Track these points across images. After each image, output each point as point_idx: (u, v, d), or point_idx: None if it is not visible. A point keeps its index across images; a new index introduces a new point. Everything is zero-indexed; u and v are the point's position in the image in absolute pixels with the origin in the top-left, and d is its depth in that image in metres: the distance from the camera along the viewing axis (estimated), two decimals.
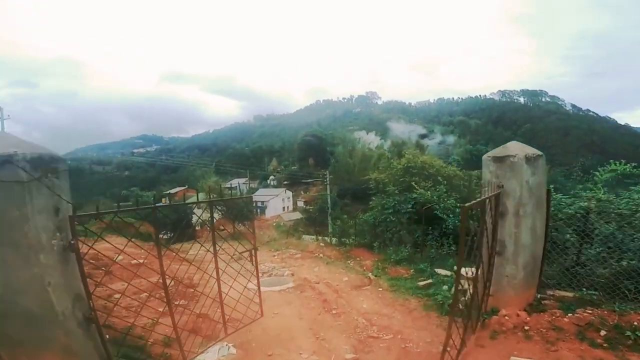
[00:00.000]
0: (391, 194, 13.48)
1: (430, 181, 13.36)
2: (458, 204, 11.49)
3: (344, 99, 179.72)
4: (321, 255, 13.80)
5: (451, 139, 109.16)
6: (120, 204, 4.37)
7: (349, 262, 12.09)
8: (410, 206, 12.45)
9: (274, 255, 14.85)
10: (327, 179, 27.59)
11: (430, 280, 8.66)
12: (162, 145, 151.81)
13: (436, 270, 9.57)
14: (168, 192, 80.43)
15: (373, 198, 15.05)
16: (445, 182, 13.12)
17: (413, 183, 13.27)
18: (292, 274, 10.44)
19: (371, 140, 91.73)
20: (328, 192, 27.53)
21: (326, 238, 20.51)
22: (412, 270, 9.96)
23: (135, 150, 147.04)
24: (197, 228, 49.26)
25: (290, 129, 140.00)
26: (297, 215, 66.00)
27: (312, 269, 11.11)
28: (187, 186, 76.34)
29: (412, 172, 13.93)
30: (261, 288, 7.51)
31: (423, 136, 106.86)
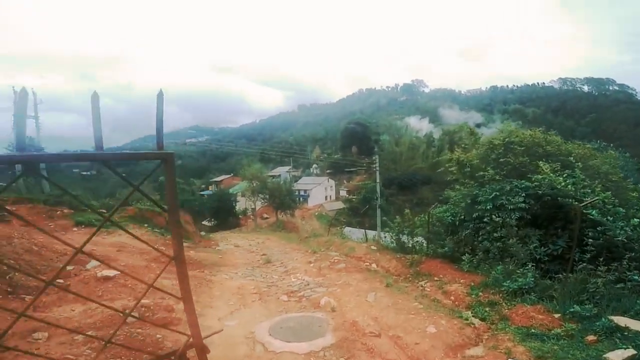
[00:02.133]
0: (489, 180, 8.57)
1: (555, 163, 8.26)
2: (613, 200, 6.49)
3: (387, 87, 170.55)
4: (375, 267, 9.34)
5: (495, 127, 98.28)
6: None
7: (421, 283, 7.54)
8: (521, 200, 7.55)
9: (310, 262, 10.61)
10: (377, 165, 22.84)
11: (630, 351, 3.95)
12: (212, 136, 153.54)
13: (612, 318, 4.82)
14: (214, 179, 79.79)
15: (455, 187, 10.22)
16: (579, 164, 7.97)
17: (534, 164, 8.24)
18: (333, 309, 6.07)
19: (420, 127, 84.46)
20: (377, 180, 22.80)
21: (374, 237, 15.95)
22: (558, 316, 5.25)
23: (188, 140, 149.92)
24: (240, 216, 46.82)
25: (334, 118, 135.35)
26: (340, 204, 61.74)
27: (365, 298, 6.71)
28: (232, 174, 74.93)
29: (516, 151, 8.84)
30: (278, 342, 3.46)
31: (478, 125, 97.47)
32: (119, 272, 7.10)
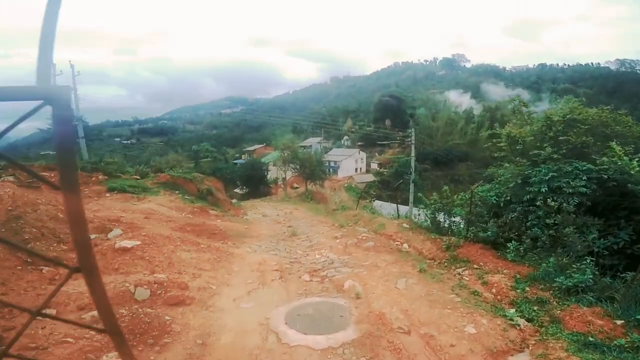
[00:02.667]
0: (544, 160, 7.39)
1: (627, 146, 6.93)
2: None
3: (425, 61, 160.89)
4: (407, 247, 8.59)
5: (544, 106, 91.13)
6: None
7: (459, 271, 6.75)
8: (582, 183, 6.41)
9: (337, 237, 10.00)
10: (412, 138, 21.42)
11: None
12: (246, 106, 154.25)
13: None
14: (247, 149, 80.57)
15: (504, 165, 9.07)
16: None
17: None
18: (357, 295, 5.45)
19: (460, 102, 79.67)
20: (412, 154, 21.45)
21: (406, 214, 15.11)
22: (621, 323, 4.37)
23: (223, 111, 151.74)
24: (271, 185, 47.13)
25: (367, 90, 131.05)
26: (370, 177, 60.55)
27: (394, 284, 6.03)
28: (265, 144, 75.25)
29: (578, 129, 7.48)
30: (293, 333, 3.02)
31: (524, 103, 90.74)
32: (138, 243, 6.85)
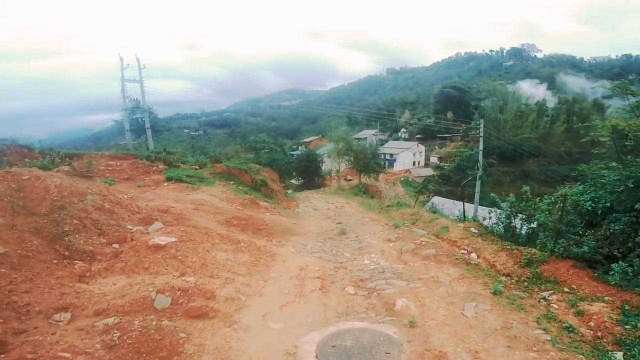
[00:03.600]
0: None
1: None
2: None
3: (491, 51, 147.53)
4: (475, 258, 7.20)
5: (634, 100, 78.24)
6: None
7: (545, 294, 5.28)
8: None
9: (390, 241, 8.85)
10: (480, 131, 19.06)
11: None
12: (303, 99, 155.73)
13: None
14: (304, 140, 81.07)
15: (607, 164, 7.21)
16: None
17: None
18: (411, 322, 4.34)
19: (532, 94, 71.76)
20: (480, 147, 19.10)
21: (474, 215, 13.35)
22: None
23: (282, 104, 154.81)
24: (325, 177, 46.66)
25: (426, 82, 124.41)
26: (429, 171, 57.32)
27: (461, 309, 4.79)
28: (320, 135, 75.07)
29: None
30: None
31: (608, 96, 79.53)
32: (173, 240, 6.37)
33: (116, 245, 6.15)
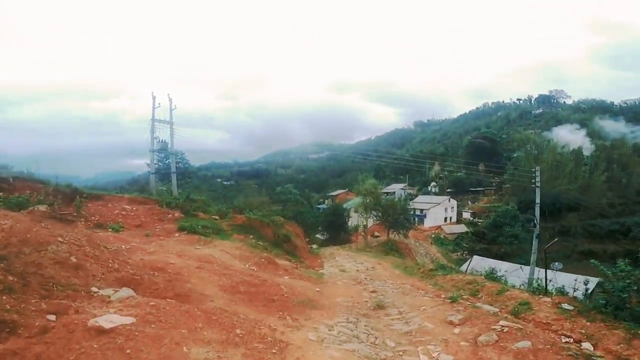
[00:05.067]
0: None
1: None
2: None
3: (518, 100, 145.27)
4: (592, 351, 4.49)
5: None
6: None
7: None
8: None
9: (452, 323, 6.35)
10: (537, 180, 16.21)
11: None
12: (331, 151, 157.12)
13: None
14: (330, 194, 79.45)
15: None
16: None
17: None
18: None
19: (569, 141, 67.96)
20: (537, 199, 16.10)
21: (537, 280, 10.43)
22: None
23: (310, 156, 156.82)
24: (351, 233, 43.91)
25: (454, 134, 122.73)
26: (462, 228, 53.13)
27: None
28: (347, 189, 73.34)
29: None
30: None
31: None
32: (130, 322, 4.23)
33: (52, 317, 4.09)
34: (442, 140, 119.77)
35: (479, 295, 8.17)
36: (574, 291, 7.84)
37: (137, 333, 4.03)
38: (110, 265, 6.89)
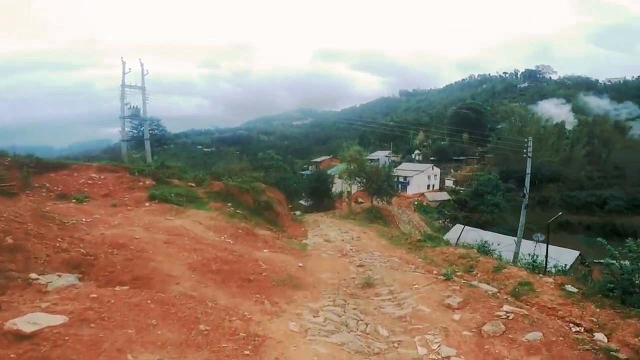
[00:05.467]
0: None
1: None
2: None
3: (505, 73, 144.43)
4: (606, 342, 3.88)
5: None
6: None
7: None
8: None
9: (450, 307, 5.65)
10: (528, 150, 15.45)
11: None
12: (315, 118, 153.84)
13: None
14: (314, 160, 78.36)
15: None
16: None
17: None
18: None
19: (553, 115, 68.05)
20: (527, 170, 15.51)
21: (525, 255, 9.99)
22: None
23: (294, 123, 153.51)
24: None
25: (439, 104, 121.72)
26: (444, 195, 53.57)
27: None
28: (331, 156, 72.42)
29: None
30: None
31: (633, 118, 75.81)
32: (60, 322, 3.25)
33: None
34: (427, 109, 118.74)
35: (474, 272, 7.56)
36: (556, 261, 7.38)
37: (67, 337, 3.06)
38: (58, 244, 5.86)
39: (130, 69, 21.97)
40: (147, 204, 12.44)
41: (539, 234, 22.64)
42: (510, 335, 4.39)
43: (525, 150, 15.37)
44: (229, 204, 14.52)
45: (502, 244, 16.70)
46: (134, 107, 22.78)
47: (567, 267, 8.39)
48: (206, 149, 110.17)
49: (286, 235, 13.78)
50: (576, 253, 19.79)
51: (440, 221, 46.96)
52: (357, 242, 13.03)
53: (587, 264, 22.21)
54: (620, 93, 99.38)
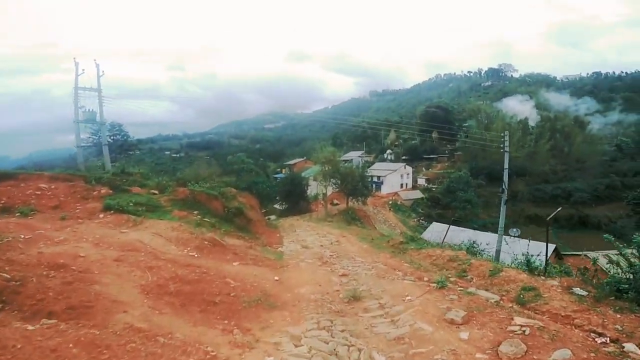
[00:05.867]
0: None
1: None
2: None
3: (469, 72, 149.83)
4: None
5: (615, 116, 79.82)
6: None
7: None
8: None
9: (453, 322, 4.79)
10: (506, 145, 15.20)
11: None
12: (287, 121, 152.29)
13: None
14: (287, 162, 77.06)
15: None
16: None
17: None
18: None
19: (518, 111, 70.61)
20: (505, 164, 15.19)
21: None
22: None
23: (266, 126, 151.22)
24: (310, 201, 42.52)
25: (408, 103, 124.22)
26: (417, 194, 54.00)
27: None
28: (305, 158, 71.53)
29: None
30: None
31: (590, 114, 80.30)
32: None
33: None
34: (397, 109, 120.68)
35: (468, 277, 6.90)
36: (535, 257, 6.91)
37: None
38: None
39: (83, 70, 20.03)
40: (101, 215, 11.03)
41: (514, 229, 22.65)
42: (534, 357, 3.65)
43: (502, 145, 15.14)
44: (196, 212, 13.24)
45: (478, 240, 16.50)
46: (89, 110, 20.79)
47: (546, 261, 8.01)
48: (175, 155, 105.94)
49: (260, 243, 12.71)
50: (552, 247, 19.97)
51: (415, 219, 47.25)
52: (336, 247, 12.16)
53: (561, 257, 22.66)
54: (577, 89, 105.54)
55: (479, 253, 9.07)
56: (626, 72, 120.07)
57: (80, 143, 20.71)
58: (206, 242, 8.57)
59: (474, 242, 10.10)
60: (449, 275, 6.98)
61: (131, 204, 12.29)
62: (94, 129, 27.56)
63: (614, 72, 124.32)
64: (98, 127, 24.71)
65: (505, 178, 14.78)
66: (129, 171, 21.18)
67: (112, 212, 11.12)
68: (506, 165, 14.98)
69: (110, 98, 21.72)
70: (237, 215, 14.99)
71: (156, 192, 16.12)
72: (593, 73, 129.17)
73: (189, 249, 8.18)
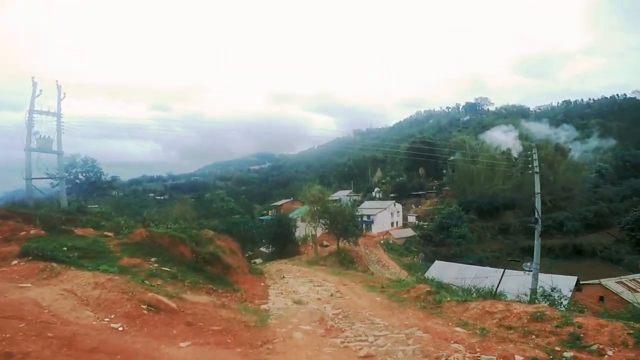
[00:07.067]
0: None
1: None
2: None
3: (448, 108, 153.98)
4: None
5: (594, 143, 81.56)
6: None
7: None
8: None
9: None
10: (534, 164, 12.87)
11: None
12: (273, 162, 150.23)
13: None
14: (274, 204, 73.53)
15: None
16: None
17: None
18: None
19: (502, 141, 70.61)
20: (536, 189, 12.60)
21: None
22: None
23: (252, 167, 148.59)
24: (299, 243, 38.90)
25: (391, 140, 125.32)
26: (409, 232, 51.04)
27: None
28: (292, 198, 68.36)
29: None
30: None
31: (570, 141, 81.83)
32: None
33: None
34: (381, 147, 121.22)
35: (593, 348, 3.94)
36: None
37: None
38: None
39: (41, 90, 17.21)
40: (14, 262, 7.75)
41: (528, 264, 19.81)
42: None
43: (531, 165, 12.75)
44: (153, 259, 9.95)
45: (479, 276, 13.66)
46: (44, 137, 17.61)
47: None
48: (159, 197, 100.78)
49: (238, 298, 9.37)
50: (574, 278, 17.29)
51: (409, 258, 43.93)
52: (339, 300, 8.96)
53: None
54: (550, 118, 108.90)
55: (558, 301, 6.14)
56: (593, 99, 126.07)
57: (30, 175, 17.24)
58: (144, 307, 5.33)
59: (540, 286, 7.18)
60: (558, 349, 3.98)
61: (64, 249, 9.04)
62: (66, 164, 24.26)
63: (582, 100, 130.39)
64: (71, 163, 21.47)
65: (538, 205, 12.18)
66: (88, 210, 17.77)
67: (29, 258, 7.85)
68: (537, 189, 12.47)
69: (72, 126, 18.71)
70: (210, 263, 11.67)
71: (110, 233, 12.82)
72: (563, 102, 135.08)
73: (112, 316, 4.95)
